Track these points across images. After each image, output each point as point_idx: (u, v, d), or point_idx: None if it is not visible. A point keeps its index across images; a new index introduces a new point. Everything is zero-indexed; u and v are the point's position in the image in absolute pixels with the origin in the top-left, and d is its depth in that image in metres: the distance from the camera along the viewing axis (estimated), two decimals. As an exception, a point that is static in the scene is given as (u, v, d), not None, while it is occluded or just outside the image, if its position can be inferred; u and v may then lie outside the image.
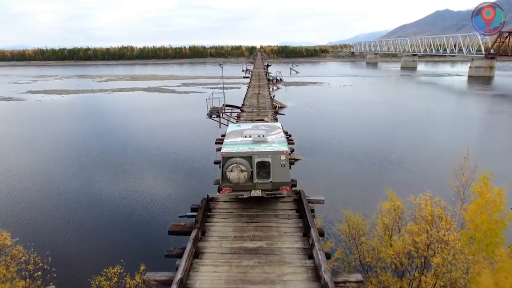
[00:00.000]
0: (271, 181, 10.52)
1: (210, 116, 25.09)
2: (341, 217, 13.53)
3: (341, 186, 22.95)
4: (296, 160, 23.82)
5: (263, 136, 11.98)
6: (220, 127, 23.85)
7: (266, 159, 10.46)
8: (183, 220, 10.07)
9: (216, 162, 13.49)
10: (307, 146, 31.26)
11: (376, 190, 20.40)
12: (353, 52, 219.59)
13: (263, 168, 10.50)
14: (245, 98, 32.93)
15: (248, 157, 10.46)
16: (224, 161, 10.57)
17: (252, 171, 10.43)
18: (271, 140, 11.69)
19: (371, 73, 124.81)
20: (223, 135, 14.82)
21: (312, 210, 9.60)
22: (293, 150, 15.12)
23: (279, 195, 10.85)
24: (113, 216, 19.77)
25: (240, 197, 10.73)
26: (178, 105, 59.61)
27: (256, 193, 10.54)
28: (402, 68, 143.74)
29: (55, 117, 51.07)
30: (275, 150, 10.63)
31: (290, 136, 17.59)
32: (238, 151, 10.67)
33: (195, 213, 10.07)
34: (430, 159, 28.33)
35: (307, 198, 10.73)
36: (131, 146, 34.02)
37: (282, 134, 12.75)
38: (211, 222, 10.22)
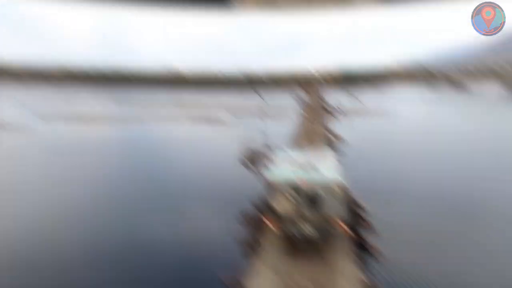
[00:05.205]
0: (321, 214, 9.61)
1: (245, 165, 18.44)
2: None
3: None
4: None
5: (313, 164, 10.98)
6: (260, 182, 13.39)
7: (316, 190, 9.68)
8: None
9: None
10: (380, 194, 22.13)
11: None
12: (431, 72, 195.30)
13: (313, 199, 9.71)
14: (295, 136, 26.47)
15: (296, 187, 9.77)
16: (271, 189, 9.98)
17: (300, 202, 9.68)
18: (322, 168, 10.67)
19: (461, 100, 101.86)
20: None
21: None
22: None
23: (332, 231, 9.62)
24: None
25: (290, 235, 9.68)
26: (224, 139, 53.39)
27: (307, 229, 9.53)
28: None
29: (75, 157, 30.92)
30: (325, 180, 9.89)
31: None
32: (287, 179, 10.03)
33: None
34: None
35: None
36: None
37: (333, 161, 11.70)
38: None
